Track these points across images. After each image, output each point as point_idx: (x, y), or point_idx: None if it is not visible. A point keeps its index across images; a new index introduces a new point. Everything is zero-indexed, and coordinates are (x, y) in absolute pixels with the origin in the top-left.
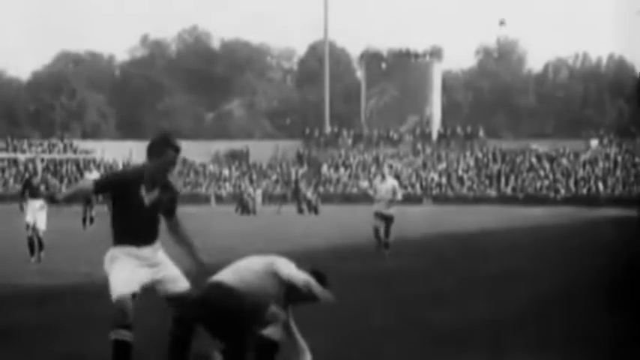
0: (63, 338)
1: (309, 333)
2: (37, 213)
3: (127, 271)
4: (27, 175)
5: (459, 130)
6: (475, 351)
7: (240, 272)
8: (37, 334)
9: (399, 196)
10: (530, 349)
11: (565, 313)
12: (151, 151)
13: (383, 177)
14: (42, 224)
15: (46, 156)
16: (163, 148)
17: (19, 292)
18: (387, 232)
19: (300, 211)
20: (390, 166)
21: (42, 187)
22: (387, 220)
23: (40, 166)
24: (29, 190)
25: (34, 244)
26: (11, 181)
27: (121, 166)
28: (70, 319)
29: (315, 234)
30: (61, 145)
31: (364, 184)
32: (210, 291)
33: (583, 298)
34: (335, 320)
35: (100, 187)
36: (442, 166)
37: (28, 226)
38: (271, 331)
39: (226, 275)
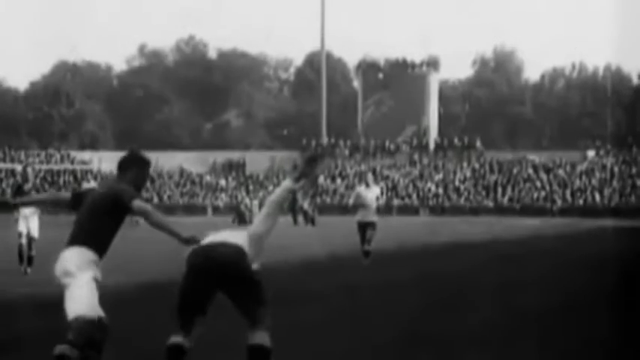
0: (50, 351)
1: (309, 343)
2: (29, 221)
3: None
4: (18, 182)
5: (455, 140)
6: None
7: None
8: (34, 344)
9: (380, 202)
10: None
11: (562, 324)
12: (134, 164)
13: (367, 185)
14: (34, 232)
15: (44, 166)
16: (144, 162)
17: (15, 302)
18: (369, 240)
19: (295, 222)
20: (374, 173)
21: (33, 194)
22: (371, 226)
23: (31, 173)
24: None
25: (24, 253)
26: (8, 191)
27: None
28: (66, 329)
29: (311, 244)
30: (58, 156)
31: (350, 201)
32: (238, 255)
33: (579, 310)
34: (333, 329)
35: None
36: (439, 176)
37: (20, 234)
38: (264, 338)
39: (239, 240)
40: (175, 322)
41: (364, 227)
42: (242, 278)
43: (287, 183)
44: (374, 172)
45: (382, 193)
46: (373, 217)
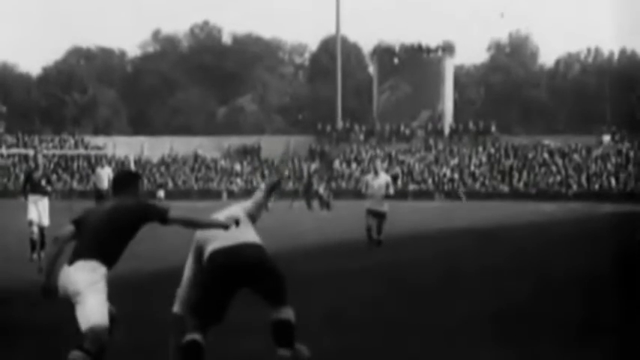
0: (66, 336)
1: (317, 325)
2: (38, 206)
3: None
4: (28, 169)
5: (471, 125)
6: (484, 342)
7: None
8: (41, 332)
9: (392, 191)
10: (536, 341)
11: (573, 306)
12: (133, 178)
13: (376, 172)
14: (45, 220)
15: (58, 152)
16: (138, 177)
17: (22, 289)
18: (379, 230)
19: (309, 207)
20: (382, 161)
21: (43, 182)
22: (380, 216)
23: (41, 161)
24: (30, 185)
25: (36, 242)
26: (22, 176)
27: (132, 162)
28: (73, 316)
29: (326, 229)
30: (72, 141)
31: (362, 190)
32: (264, 255)
33: (591, 292)
34: (344, 312)
35: None
36: (454, 161)
37: (31, 223)
38: (289, 314)
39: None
40: (189, 321)
41: (374, 216)
42: (267, 272)
43: (258, 196)
44: (389, 157)
45: (395, 180)
46: (382, 207)
